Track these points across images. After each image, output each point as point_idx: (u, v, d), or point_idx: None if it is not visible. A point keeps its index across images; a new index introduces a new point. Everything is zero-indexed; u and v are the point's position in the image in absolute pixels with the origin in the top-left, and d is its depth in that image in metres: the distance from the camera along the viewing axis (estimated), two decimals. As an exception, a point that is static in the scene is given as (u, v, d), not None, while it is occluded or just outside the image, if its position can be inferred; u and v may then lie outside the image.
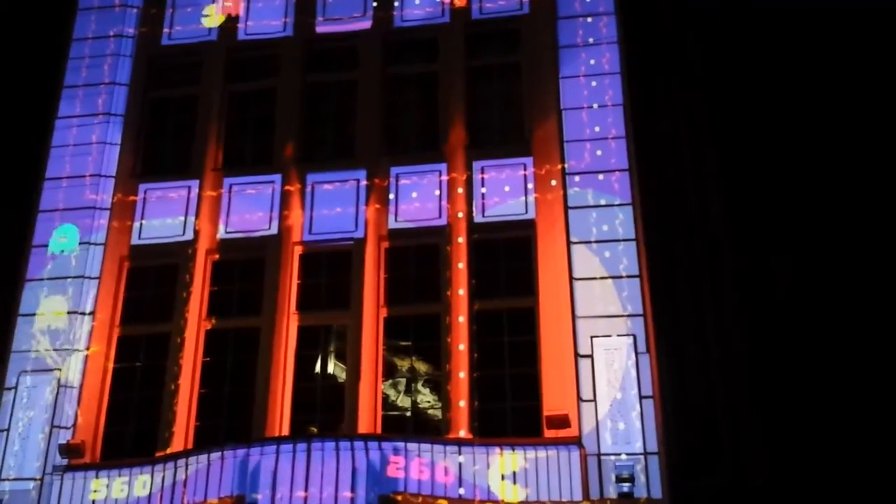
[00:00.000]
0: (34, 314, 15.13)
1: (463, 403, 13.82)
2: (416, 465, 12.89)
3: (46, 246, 15.59)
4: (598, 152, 14.94)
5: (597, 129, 15.10)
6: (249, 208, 15.72)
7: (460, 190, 15.20)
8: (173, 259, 15.58)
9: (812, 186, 15.81)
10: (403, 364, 14.61)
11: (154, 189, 16.10)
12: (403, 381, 14.52)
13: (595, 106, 15.28)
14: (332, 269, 15.26)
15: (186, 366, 14.67)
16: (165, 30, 17.40)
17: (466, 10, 16.61)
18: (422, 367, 14.59)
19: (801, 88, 16.45)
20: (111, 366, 15.07)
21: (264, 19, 17.22)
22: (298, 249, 15.42)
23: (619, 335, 13.69)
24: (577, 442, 13.13)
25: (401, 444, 13.00)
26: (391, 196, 15.39)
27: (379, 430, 13.89)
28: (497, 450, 13.08)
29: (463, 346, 14.16)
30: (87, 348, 14.92)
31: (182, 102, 16.99)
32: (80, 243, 15.56)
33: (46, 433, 14.32)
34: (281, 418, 14.23)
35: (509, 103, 16.11)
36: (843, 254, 15.27)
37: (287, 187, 15.69)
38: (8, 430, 14.39)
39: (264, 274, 15.21)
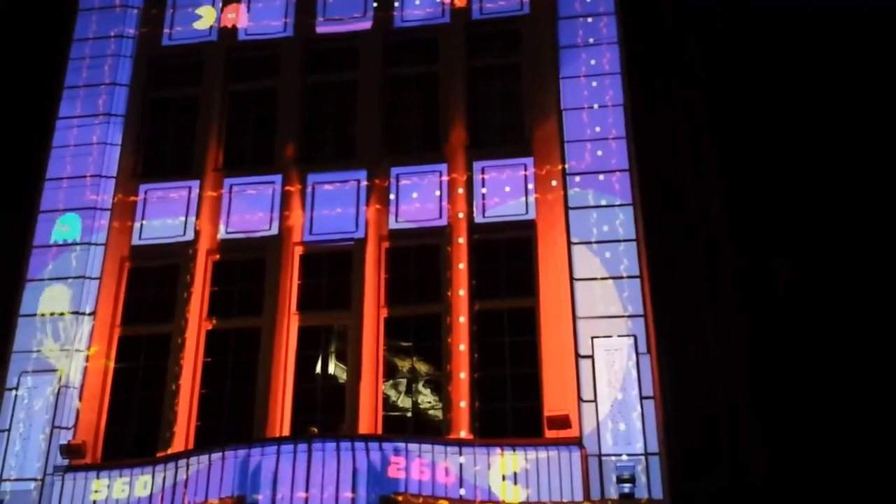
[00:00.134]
0: (35, 315, 15.14)
1: (463, 404, 13.83)
2: (416, 465, 12.90)
3: (47, 246, 15.60)
4: (599, 152, 14.94)
5: (597, 129, 15.11)
6: (250, 208, 15.73)
7: (461, 190, 15.21)
8: (174, 259, 15.59)
9: (812, 186, 15.82)
10: (404, 364, 14.62)
11: (155, 189, 16.10)
12: (404, 381, 14.53)
13: (595, 106, 15.29)
14: (332, 269, 15.26)
15: (187, 366, 14.68)
16: (166, 30, 17.40)
17: (467, 10, 16.61)
18: (422, 367, 14.60)
19: (801, 88, 16.45)
20: (112, 366, 15.08)
21: (264, 20, 17.22)
22: (299, 250, 15.43)
23: (619, 336, 13.69)
24: (577, 442, 13.14)
25: (401, 445, 13.01)
26: (392, 196, 15.40)
27: (380, 431, 13.90)
28: (498, 450, 13.09)
29: (463, 347, 14.17)
30: (88, 349, 14.93)
31: (183, 103, 17.00)
32: (81, 244, 15.57)
33: (47, 433, 14.33)
34: (282, 419, 14.24)
35: (510, 103, 16.11)
36: (843, 254, 15.28)
37: (287, 188, 15.70)
38: (9, 430, 14.40)
39: (265, 274, 15.22)
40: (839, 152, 15.96)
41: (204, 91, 16.88)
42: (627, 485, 12.76)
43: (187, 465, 13.34)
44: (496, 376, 14.15)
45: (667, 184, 15.67)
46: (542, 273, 14.45)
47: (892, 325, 14.65)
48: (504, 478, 12.95)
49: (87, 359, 14.83)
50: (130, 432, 14.69)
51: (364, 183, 15.54)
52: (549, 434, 13.31)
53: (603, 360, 13.58)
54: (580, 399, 13.43)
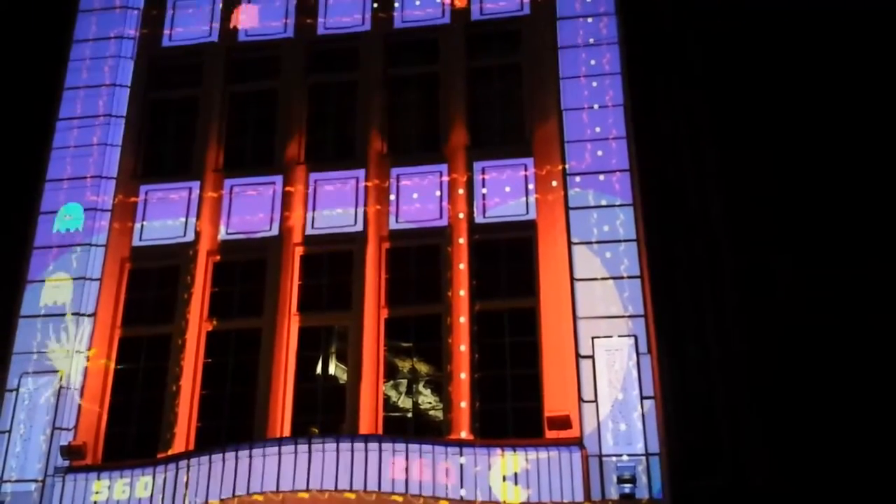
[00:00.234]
0: (36, 315, 15.14)
1: (464, 404, 13.84)
2: (417, 466, 12.91)
3: (48, 247, 15.60)
4: (599, 153, 14.95)
5: (597, 129, 15.12)
6: (250, 209, 15.74)
7: (461, 191, 15.21)
8: (174, 260, 15.59)
9: (812, 186, 15.81)
10: (404, 365, 14.63)
11: (155, 190, 16.11)
12: (404, 381, 14.53)
13: (595, 106, 15.29)
14: (332, 269, 15.27)
15: (188, 367, 14.69)
16: (166, 31, 17.42)
17: (467, 10, 16.62)
18: (423, 367, 14.60)
19: (801, 88, 16.44)
20: (112, 367, 15.08)
21: (265, 20, 17.22)
22: (299, 250, 15.44)
23: (620, 336, 13.70)
24: (578, 443, 13.15)
25: (402, 445, 13.01)
26: (392, 197, 15.41)
27: (380, 431, 13.91)
28: (498, 451, 13.09)
29: (464, 347, 14.17)
30: (89, 350, 14.93)
31: (183, 103, 17.01)
32: (81, 244, 15.57)
33: (48, 435, 14.34)
34: (282, 419, 14.25)
35: (510, 104, 16.12)
36: (843, 254, 15.27)
37: (288, 188, 15.71)
38: (9, 431, 14.40)
39: (265, 275, 15.23)
40: (839, 152, 15.95)
41: (204, 92, 16.89)
42: (628, 485, 12.77)
43: (188, 466, 13.35)
44: (496, 377, 14.16)
45: (667, 184, 15.66)
46: (542, 273, 14.46)
47: (892, 325, 14.64)
48: (504, 478, 12.95)
49: (87, 360, 14.82)
50: (131, 433, 14.71)
51: (364, 183, 15.54)
52: (550, 434, 13.32)
53: (603, 360, 13.58)
54: (581, 399, 13.44)
